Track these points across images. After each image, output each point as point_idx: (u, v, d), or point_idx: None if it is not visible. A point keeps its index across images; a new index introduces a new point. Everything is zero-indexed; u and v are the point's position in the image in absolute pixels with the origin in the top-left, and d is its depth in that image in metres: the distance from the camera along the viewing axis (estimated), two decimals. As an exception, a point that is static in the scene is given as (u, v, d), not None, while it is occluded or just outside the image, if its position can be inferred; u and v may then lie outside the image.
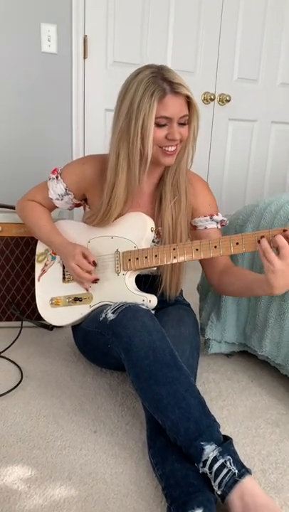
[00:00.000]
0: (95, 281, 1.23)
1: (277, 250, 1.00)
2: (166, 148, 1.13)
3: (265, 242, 1.00)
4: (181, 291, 1.47)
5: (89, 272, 1.23)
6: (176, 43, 2.27)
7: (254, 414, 1.22)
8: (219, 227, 1.30)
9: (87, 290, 1.26)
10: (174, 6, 2.21)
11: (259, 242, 1.02)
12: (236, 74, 2.47)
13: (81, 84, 2.10)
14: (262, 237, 1.02)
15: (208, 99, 2.40)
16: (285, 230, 1.01)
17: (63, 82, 2.06)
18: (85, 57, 2.08)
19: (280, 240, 0.99)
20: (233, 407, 1.25)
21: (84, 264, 1.21)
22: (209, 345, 1.47)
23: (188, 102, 1.12)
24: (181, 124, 1.12)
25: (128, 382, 1.32)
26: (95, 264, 1.23)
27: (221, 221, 1.30)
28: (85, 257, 1.23)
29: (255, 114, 2.61)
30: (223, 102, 2.45)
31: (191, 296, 1.59)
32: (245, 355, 1.52)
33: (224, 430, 1.15)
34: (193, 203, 1.26)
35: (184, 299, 1.46)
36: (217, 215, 1.29)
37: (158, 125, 1.10)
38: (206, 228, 1.28)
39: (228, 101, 2.45)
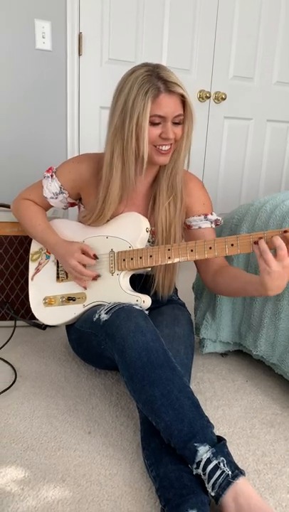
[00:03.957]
0: (96, 277, 1.22)
1: (275, 252, 1.00)
2: (161, 147, 1.12)
3: (263, 244, 1.00)
4: (176, 290, 1.46)
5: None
6: (172, 41, 2.25)
7: (249, 414, 1.22)
8: (214, 226, 1.29)
9: (85, 288, 1.25)
10: (170, 4, 2.19)
11: (256, 243, 1.02)
12: (232, 72, 2.46)
13: (76, 82, 2.09)
14: (260, 238, 1.02)
15: (203, 97, 2.39)
16: (286, 231, 1.00)
17: (58, 79, 2.04)
18: (80, 55, 2.06)
19: (278, 241, 0.99)
20: (228, 407, 1.25)
21: (85, 260, 1.20)
22: (204, 344, 1.46)
23: (183, 101, 1.11)
24: (176, 124, 1.11)
25: (123, 383, 1.31)
26: (96, 257, 1.21)
27: (216, 220, 1.29)
28: (84, 252, 1.22)
29: (251, 113, 2.61)
30: (218, 100, 2.44)
31: (186, 296, 1.58)
32: (240, 354, 1.52)
33: (219, 430, 1.15)
34: (187, 202, 1.26)
35: (178, 299, 1.45)
36: (211, 214, 1.29)
37: (152, 124, 1.09)
38: (200, 228, 1.28)
39: (223, 99, 2.44)
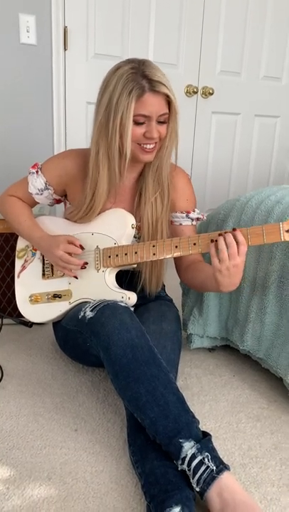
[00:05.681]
0: (84, 266, 1.21)
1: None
2: (145, 146, 1.12)
3: (222, 243, 1.03)
4: (164, 286, 1.46)
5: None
6: (158, 36, 2.24)
7: (235, 408, 1.23)
8: (194, 223, 1.29)
9: (76, 278, 1.24)
10: (156, -2, 2.18)
11: (213, 241, 1.06)
12: (219, 67, 2.45)
13: (62, 77, 2.07)
14: (219, 235, 1.05)
15: (191, 92, 2.38)
16: (234, 229, 1.04)
17: (43, 74, 2.02)
18: (65, 49, 2.04)
19: (220, 242, 1.02)
20: (215, 402, 1.25)
21: (71, 249, 1.19)
22: (191, 340, 1.47)
23: (168, 99, 1.10)
24: (160, 123, 1.11)
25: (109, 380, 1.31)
26: (82, 247, 1.21)
27: (197, 218, 1.29)
28: (70, 243, 1.21)
29: (239, 107, 2.61)
30: (206, 95, 2.44)
31: (174, 291, 1.58)
32: (228, 349, 1.52)
33: (205, 425, 1.15)
34: (172, 197, 1.25)
35: (166, 294, 1.45)
36: (194, 211, 1.28)
37: (136, 123, 1.08)
38: (180, 224, 1.28)
39: (211, 94, 2.43)
